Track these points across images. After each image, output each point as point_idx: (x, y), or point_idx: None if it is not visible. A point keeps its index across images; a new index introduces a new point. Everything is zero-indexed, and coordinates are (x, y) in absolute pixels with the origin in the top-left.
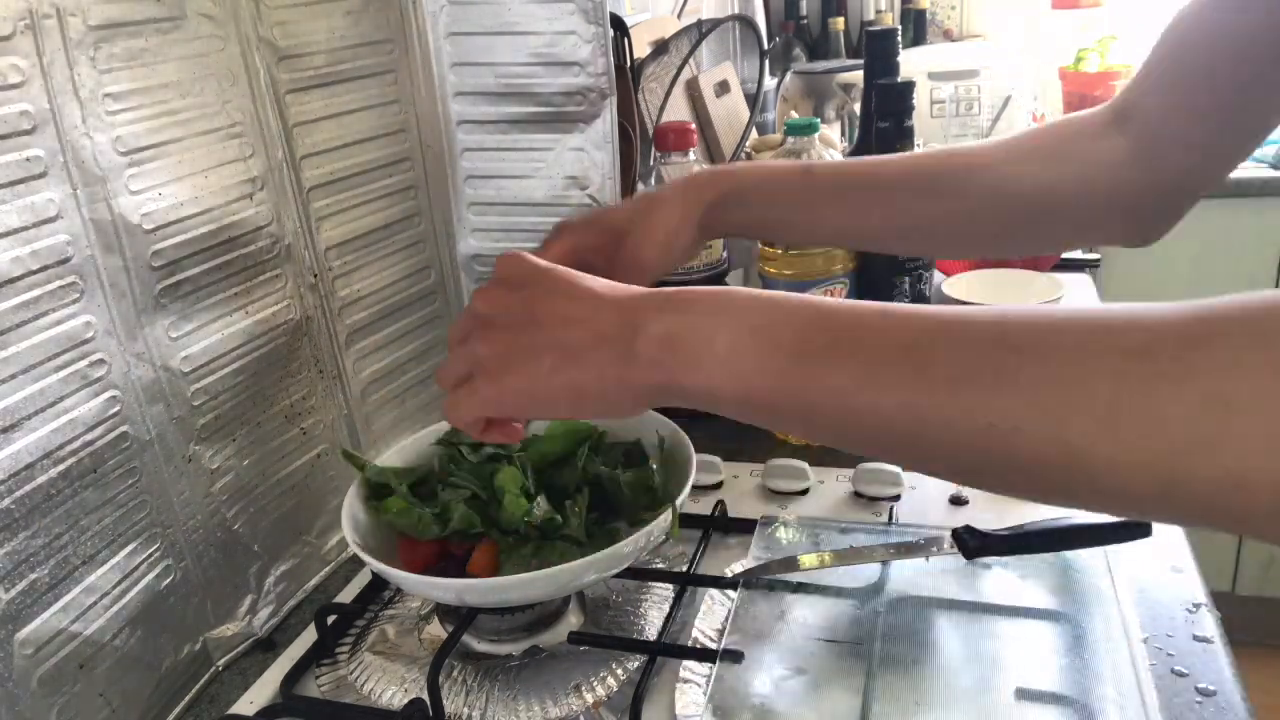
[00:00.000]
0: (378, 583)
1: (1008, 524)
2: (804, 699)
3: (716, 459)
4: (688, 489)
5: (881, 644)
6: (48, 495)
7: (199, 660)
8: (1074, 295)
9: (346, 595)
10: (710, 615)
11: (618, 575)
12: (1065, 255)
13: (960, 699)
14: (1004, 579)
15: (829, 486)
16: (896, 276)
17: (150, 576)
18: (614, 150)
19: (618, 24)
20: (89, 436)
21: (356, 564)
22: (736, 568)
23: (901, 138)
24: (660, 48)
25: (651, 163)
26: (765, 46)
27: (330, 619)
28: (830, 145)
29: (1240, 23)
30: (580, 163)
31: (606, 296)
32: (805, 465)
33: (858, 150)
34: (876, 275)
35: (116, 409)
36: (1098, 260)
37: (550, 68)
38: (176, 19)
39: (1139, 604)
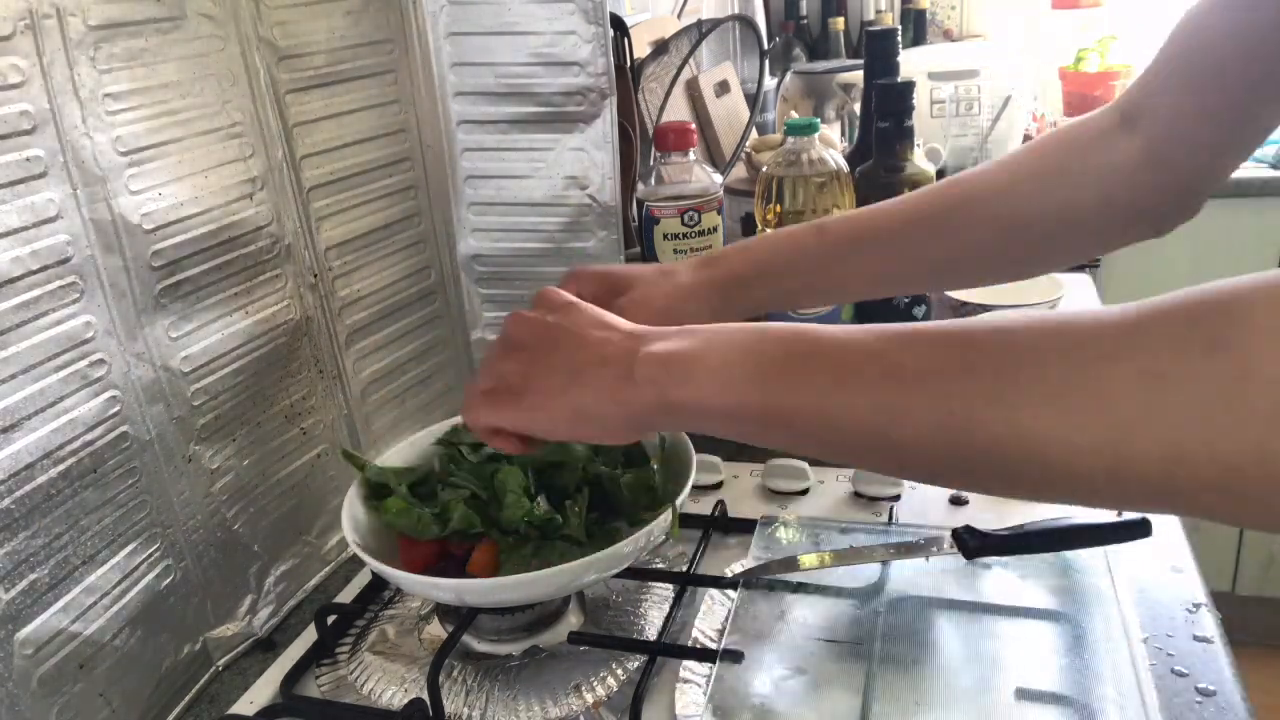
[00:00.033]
0: (378, 583)
1: (1008, 524)
2: (804, 699)
3: (716, 459)
4: (688, 489)
5: (881, 644)
6: (48, 495)
7: (199, 660)
8: (1074, 295)
9: (346, 595)
10: (710, 615)
11: (618, 575)
12: None
13: (960, 699)
14: (1004, 579)
15: (829, 486)
16: None
17: (150, 576)
18: (614, 150)
19: (618, 24)
20: (89, 436)
21: (356, 564)
22: (736, 568)
23: (901, 138)
24: (660, 48)
25: (651, 163)
26: (765, 46)
27: (330, 619)
28: (830, 145)
29: (1251, 21)
30: (580, 163)
31: (622, 327)
32: (805, 465)
33: (858, 150)
34: None
35: (116, 409)
36: (1098, 260)
37: (550, 68)
38: (176, 19)
39: (1139, 604)
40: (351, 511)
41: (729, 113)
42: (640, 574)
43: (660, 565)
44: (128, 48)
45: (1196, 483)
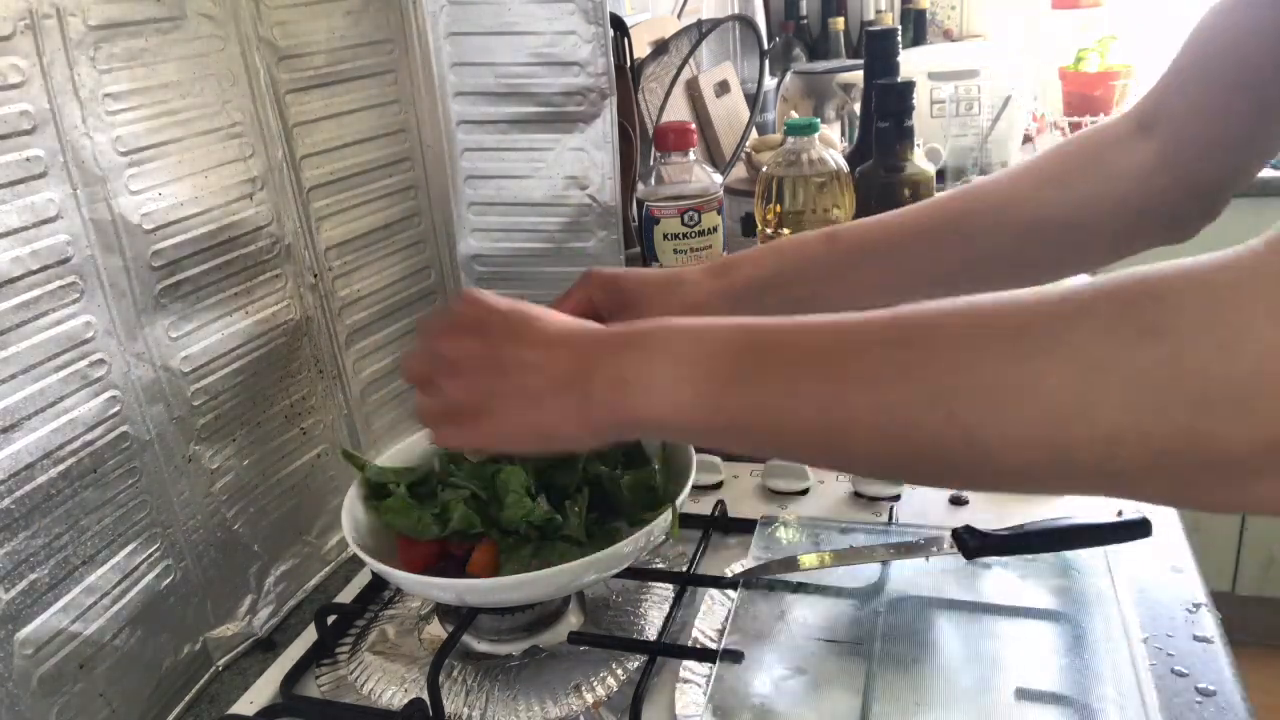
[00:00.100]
0: (378, 583)
1: (1008, 524)
2: (804, 699)
3: (716, 459)
4: (688, 489)
5: (881, 644)
6: (48, 495)
7: (199, 660)
8: None
9: (346, 595)
10: (710, 615)
11: (618, 575)
12: None
13: (960, 699)
14: (1004, 579)
15: (829, 486)
16: None
17: (150, 576)
18: (614, 150)
19: (618, 24)
20: (89, 436)
21: (356, 564)
22: (736, 568)
23: (901, 138)
24: (660, 48)
25: (651, 163)
26: (765, 46)
27: (330, 619)
28: (830, 145)
29: (1271, 20)
30: (580, 163)
31: (559, 341)
32: (805, 465)
33: (858, 150)
34: None
35: (116, 409)
36: None
37: (550, 68)
38: (176, 19)
39: (1139, 604)
40: (351, 511)
41: (729, 113)
42: (640, 574)
43: (660, 565)
44: (128, 48)
45: (1134, 467)
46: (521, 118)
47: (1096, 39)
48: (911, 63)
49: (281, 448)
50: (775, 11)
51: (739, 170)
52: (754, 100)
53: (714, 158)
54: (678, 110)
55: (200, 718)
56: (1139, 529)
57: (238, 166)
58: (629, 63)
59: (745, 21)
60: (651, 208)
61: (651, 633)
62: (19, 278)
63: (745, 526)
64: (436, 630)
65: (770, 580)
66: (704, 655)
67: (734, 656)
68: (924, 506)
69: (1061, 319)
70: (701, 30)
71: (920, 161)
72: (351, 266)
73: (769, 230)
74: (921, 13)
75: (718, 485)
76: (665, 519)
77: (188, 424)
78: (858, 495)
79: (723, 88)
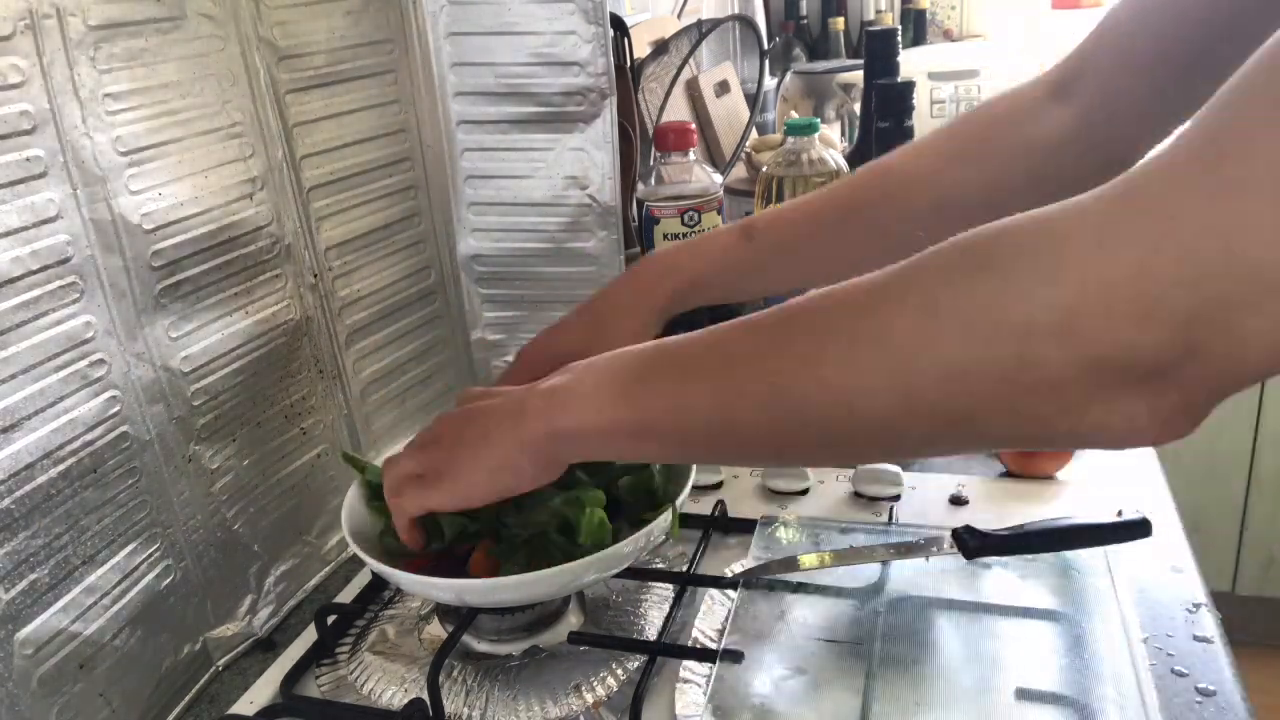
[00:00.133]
0: (378, 583)
1: (1008, 524)
2: (804, 699)
3: None
4: (688, 489)
5: (881, 644)
6: (48, 495)
7: (199, 660)
8: None
9: (346, 595)
10: (710, 615)
11: (618, 575)
12: None
13: (960, 699)
14: (1004, 579)
15: (829, 486)
16: None
17: (150, 576)
18: (614, 150)
19: (618, 24)
20: (89, 436)
21: (356, 564)
22: (736, 568)
23: (901, 138)
24: (660, 48)
25: (651, 163)
26: (765, 46)
27: (330, 619)
28: (830, 145)
29: None
30: (580, 163)
31: (520, 387)
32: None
33: (858, 150)
34: None
35: (116, 409)
36: None
37: (550, 68)
38: (176, 19)
39: (1139, 604)
40: (351, 512)
41: (729, 113)
42: (640, 574)
43: (660, 565)
44: (128, 48)
45: (979, 404)
46: (521, 118)
47: None
48: (911, 63)
49: (281, 448)
50: (775, 11)
51: (739, 170)
52: (754, 100)
53: (714, 158)
54: (678, 110)
55: (200, 718)
56: (1139, 529)
57: (238, 166)
58: (629, 63)
59: (745, 21)
60: (651, 208)
61: (651, 633)
62: (19, 278)
63: (745, 526)
64: (436, 630)
65: (770, 580)
66: (704, 655)
67: (734, 656)
68: (924, 506)
69: (912, 268)
70: (701, 30)
71: None
72: (351, 266)
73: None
74: (921, 13)
75: (718, 485)
76: (665, 519)
77: (188, 424)
78: (858, 495)
79: (723, 88)
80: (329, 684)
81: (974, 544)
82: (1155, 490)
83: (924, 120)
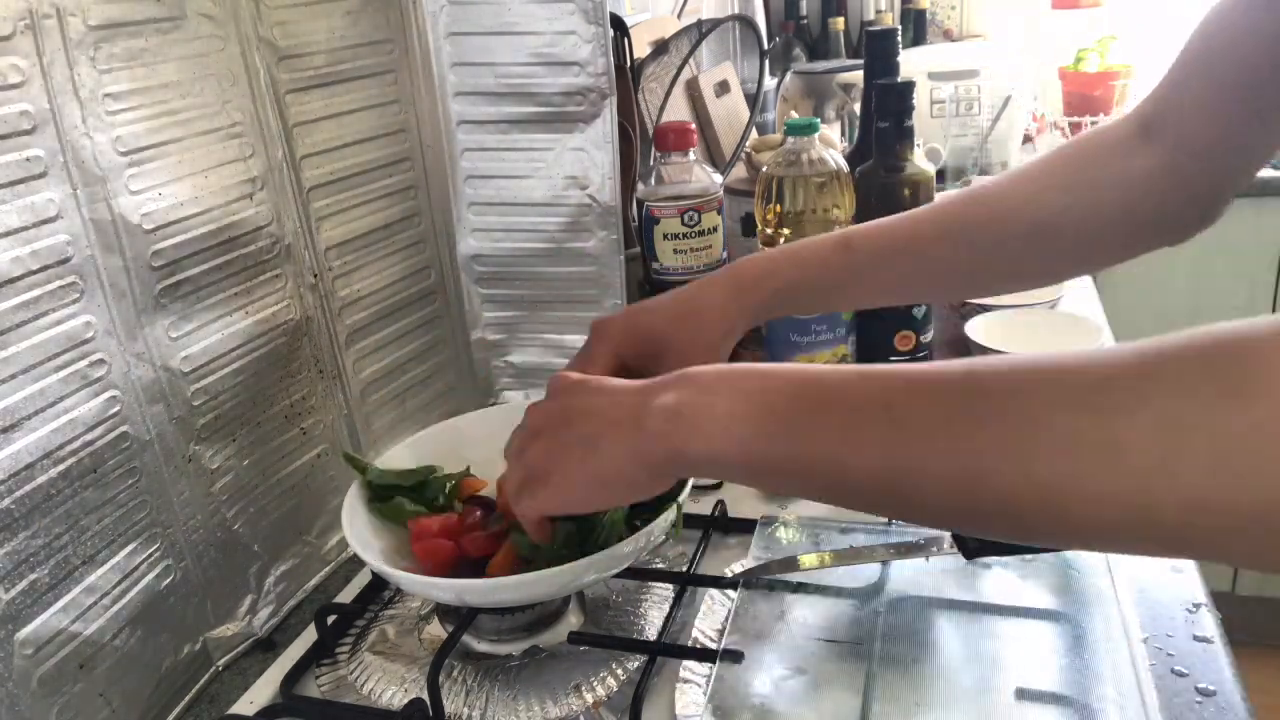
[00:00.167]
0: (378, 583)
1: None
2: (804, 699)
3: None
4: (688, 489)
5: (881, 644)
6: (48, 495)
7: (199, 660)
8: (1073, 295)
9: (346, 595)
10: (710, 615)
11: (618, 575)
12: None
13: (960, 699)
14: (1004, 579)
15: None
16: None
17: (150, 576)
18: (614, 150)
19: (618, 24)
20: (89, 436)
21: (356, 564)
22: (736, 568)
23: (901, 138)
24: (660, 48)
25: (651, 163)
26: (765, 46)
27: (330, 619)
28: (830, 145)
29: (1273, 22)
30: (580, 163)
31: (620, 388)
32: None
33: (858, 150)
34: None
35: (116, 409)
36: None
37: (550, 68)
38: (176, 19)
39: (1139, 604)
40: (351, 512)
41: (729, 113)
42: (640, 574)
43: (660, 565)
44: (128, 48)
45: (1216, 531)
46: (521, 118)
47: (1096, 39)
48: (911, 63)
49: (281, 448)
50: (775, 11)
51: (739, 170)
52: (754, 100)
53: (714, 158)
54: (678, 110)
55: (200, 718)
56: None
57: (238, 166)
58: (629, 63)
59: (745, 21)
60: (651, 208)
61: (651, 633)
62: (19, 278)
63: (745, 526)
64: (436, 630)
65: (770, 580)
66: (704, 655)
67: (734, 656)
68: None
69: (1142, 377)
70: (701, 30)
71: (920, 161)
72: (351, 266)
73: (769, 230)
74: (921, 13)
75: (718, 485)
76: (665, 519)
77: (188, 424)
78: None
79: (723, 88)
80: (329, 684)
81: (974, 544)
82: None
83: (924, 120)
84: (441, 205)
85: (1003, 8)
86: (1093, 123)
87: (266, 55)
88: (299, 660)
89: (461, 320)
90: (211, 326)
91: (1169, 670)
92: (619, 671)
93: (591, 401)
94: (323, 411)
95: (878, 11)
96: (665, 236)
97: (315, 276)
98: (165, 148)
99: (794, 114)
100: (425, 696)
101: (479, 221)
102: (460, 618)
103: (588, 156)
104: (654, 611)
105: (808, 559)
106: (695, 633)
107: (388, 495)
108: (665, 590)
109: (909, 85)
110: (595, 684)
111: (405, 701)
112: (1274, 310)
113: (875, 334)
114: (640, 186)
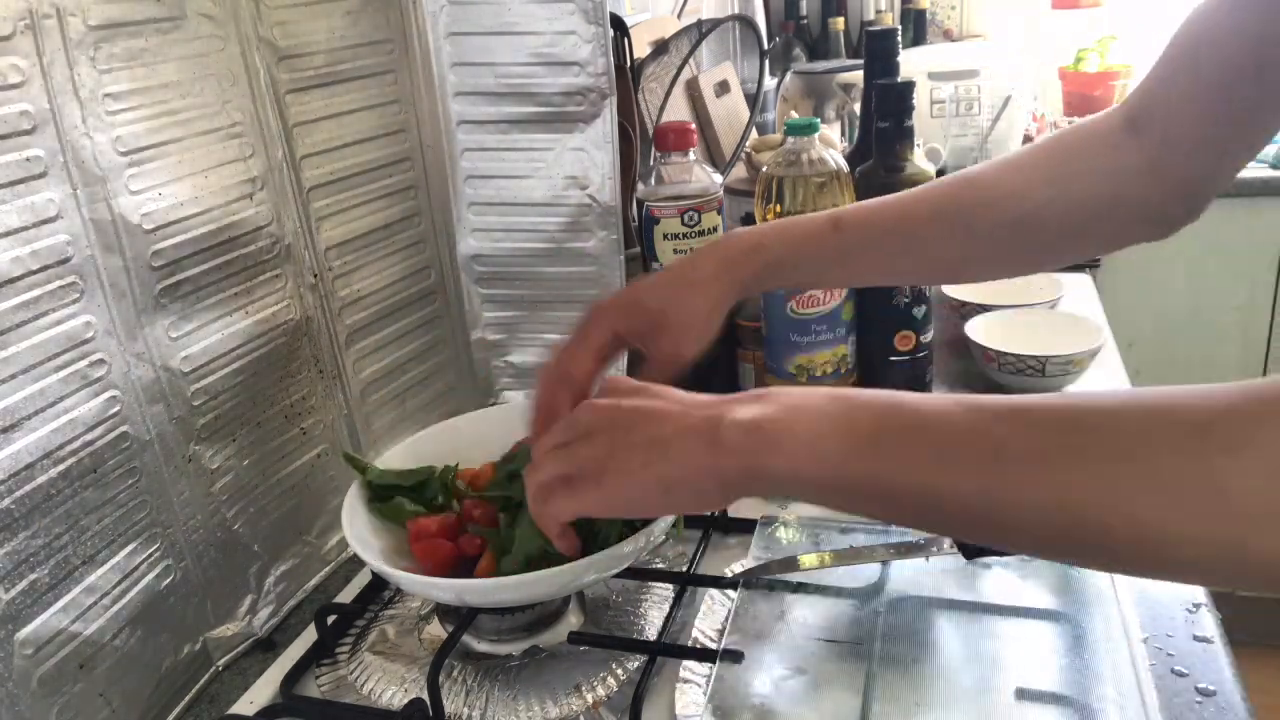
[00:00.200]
0: (378, 583)
1: None
2: (804, 699)
3: None
4: None
5: (881, 644)
6: (48, 495)
7: (199, 660)
8: (1073, 295)
9: (346, 595)
10: (710, 615)
11: (618, 575)
12: None
13: (960, 699)
14: (1004, 579)
15: None
16: None
17: (150, 576)
18: (614, 150)
19: (618, 24)
20: (89, 436)
21: (356, 564)
22: (736, 568)
23: (901, 138)
24: (660, 48)
25: (651, 163)
26: (765, 46)
27: (330, 619)
28: (830, 145)
29: (1258, 21)
30: (580, 163)
31: (699, 398)
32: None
33: (858, 150)
34: None
35: (116, 409)
36: (1098, 261)
37: (550, 68)
38: (176, 19)
39: (1139, 604)
40: (351, 512)
41: (729, 113)
42: (640, 574)
43: (660, 565)
44: (128, 48)
45: None
46: (521, 118)
47: (1096, 39)
48: (911, 63)
49: (281, 448)
50: (775, 11)
51: (739, 170)
52: (754, 100)
53: (714, 158)
54: (678, 110)
55: (200, 718)
56: None
57: (238, 166)
58: (629, 63)
59: (745, 21)
60: (651, 208)
61: (651, 633)
62: (19, 278)
63: (745, 526)
64: (436, 630)
65: (770, 580)
66: (704, 655)
67: (734, 656)
68: None
69: (1247, 417)
70: (701, 30)
71: (920, 161)
72: (351, 266)
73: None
74: (921, 13)
75: None
76: (665, 519)
77: (188, 424)
78: None
79: (723, 88)
80: (329, 684)
81: (974, 544)
82: None
83: (924, 120)
84: (441, 205)
85: (1003, 8)
86: None
87: (266, 55)
88: (299, 660)
89: (461, 320)
90: (211, 326)
91: (1169, 670)
92: (619, 671)
93: (663, 406)
94: (323, 411)
95: (878, 11)
96: (665, 236)
97: (315, 276)
98: (165, 148)
99: (794, 114)
100: (425, 696)
101: (479, 221)
102: (460, 618)
103: (588, 156)
104: (654, 611)
105: (808, 559)
106: (695, 633)
107: (387, 495)
108: (665, 590)
109: (909, 85)
110: (595, 684)
111: (405, 701)
112: (1273, 310)
113: (875, 334)
114: (640, 186)
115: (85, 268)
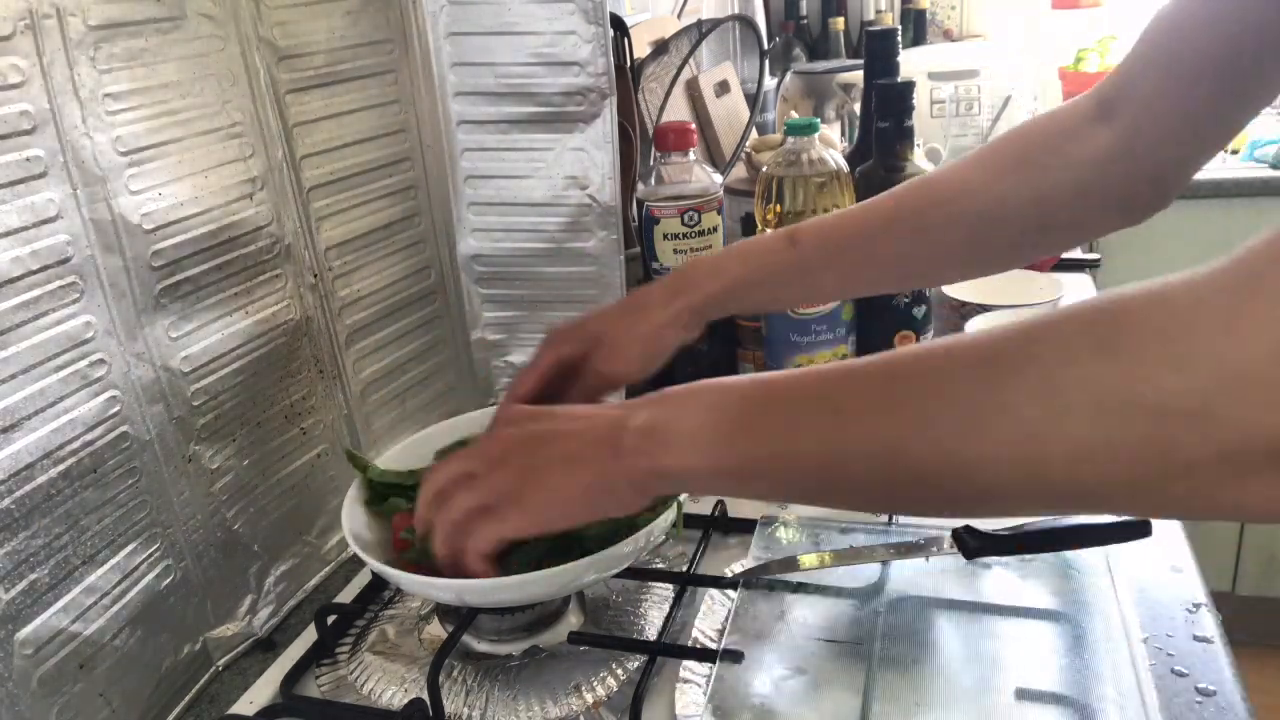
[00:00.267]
0: (378, 583)
1: (1008, 524)
2: (804, 699)
3: None
4: None
5: (881, 644)
6: (48, 495)
7: (199, 660)
8: (1074, 295)
9: (346, 595)
10: (710, 615)
11: (618, 575)
12: (1065, 255)
13: (960, 699)
14: (1004, 579)
15: None
16: None
17: (150, 576)
18: (614, 150)
19: (618, 24)
20: (89, 436)
21: (356, 564)
22: (736, 568)
23: (901, 138)
24: (660, 48)
25: (651, 163)
26: (765, 46)
27: (330, 619)
28: (830, 145)
29: (1231, 13)
30: (580, 163)
31: (594, 411)
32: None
33: (858, 150)
34: None
35: (116, 409)
36: (1098, 260)
37: (550, 68)
38: (176, 19)
39: (1139, 604)
40: (351, 512)
41: (729, 113)
42: (640, 574)
43: (660, 565)
44: (128, 48)
45: (1106, 481)
46: (521, 118)
47: (1096, 39)
48: (911, 63)
49: (281, 448)
50: (775, 11)
51: (739, 170)
52: (754, 100)
53: (714, 158)
54: (678, 110)
55: (200, 718)
56: (1139, 529)
57: (238, 166)
58: (629, 63)
59: (745, 21)
60: (651, 208)
61: (651, 633)
62: (19, 278)
63: (745, 526)
64: (436, 630)
65: (770, 580)
66: (704, 655)
67: (734, 656)
68: None
69: (1029, 341)
70: (701, 30)
71: (920, 161)
72: (351, 266)
73: (769, 230)
74: (921, 13)
75: None
76: (666, 519)
77: (188, 424)
78: None
79: (723, 88)
80: (329, 684)
81: (974, 544)
82: None
83: (924, 120)
84: (441, 205)
85: (1003, 8)
86: None
87: (266, 55)
88: (299, 660)
89: (461, 320)
90: (211, 326)
91: (1169, 670)
92: (619, 671)
93: (566, 425)
94: (323, 411)
95: (878, 11)
96: (665, 236)
97: (315, 276)
98: (165, 148)
99: (794, 114)
100: (425, 696)
101: (479, 221)
102: (460, 618)
103: (588, 156)
104: (654, 611)
105: (808, 559)
106: (695, 633)
107: (387, 495)
108: (665, 590)
109: (909, 85)
110: (595, 684)
111: (405, 701)
112: None
113: (875, 334)
114: (640, 186)
115: (85, 268)
